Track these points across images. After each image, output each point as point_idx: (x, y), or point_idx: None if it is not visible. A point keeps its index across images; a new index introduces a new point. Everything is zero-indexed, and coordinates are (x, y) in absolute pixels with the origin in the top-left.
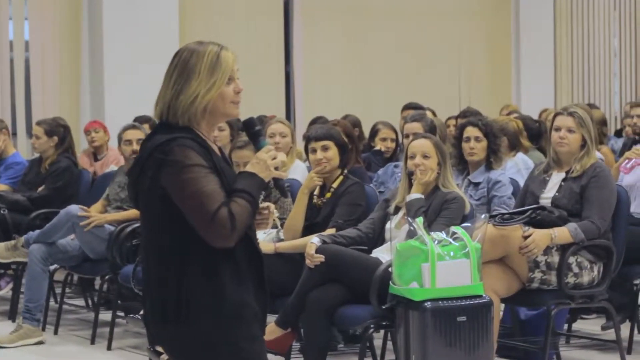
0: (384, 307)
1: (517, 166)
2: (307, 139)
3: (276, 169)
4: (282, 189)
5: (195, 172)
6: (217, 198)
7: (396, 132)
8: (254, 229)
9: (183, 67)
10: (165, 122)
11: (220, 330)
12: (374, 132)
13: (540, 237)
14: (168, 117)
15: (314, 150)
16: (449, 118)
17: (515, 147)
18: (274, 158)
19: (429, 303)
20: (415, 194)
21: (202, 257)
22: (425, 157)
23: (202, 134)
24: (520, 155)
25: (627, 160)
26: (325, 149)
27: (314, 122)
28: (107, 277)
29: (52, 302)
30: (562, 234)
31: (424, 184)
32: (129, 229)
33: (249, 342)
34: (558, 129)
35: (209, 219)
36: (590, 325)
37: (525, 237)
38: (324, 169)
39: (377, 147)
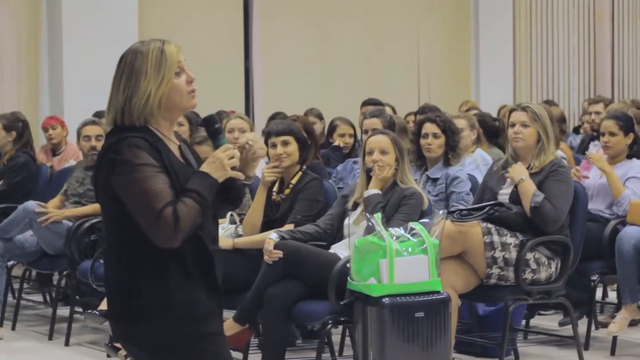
0: (342, 303)
1: (476, 162)
2: (267, 134)
3: (233, 168)
4: (238, 189)
5: (143, 171)
6: (163, 197)
7: (354, 128)
8: (209, 230)
9: (130, 70)
10: (120, 126)
11: (172, 330)
12: (332, 128)
13: (520, 165)
14: (123, 120)
15: (274, 145)
16: (408, 114)
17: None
18: (232, 157)
19: (387, 299)
20: (373, 190)
21: (151, 256)
22: (383, 153)
23: (161, 132)
24: (479, 151)
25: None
26: (285, 144)
27: (273, 117)
28: (65, 272)
29: (10, 298)
30: (530, 185)
31: (381, 179)
32: (87, 224)
33: (203, 340)
34: (513, 125)
35: (154, 218)
36: (547, 321)
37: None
38: (283, 164)
39: (336, 143)
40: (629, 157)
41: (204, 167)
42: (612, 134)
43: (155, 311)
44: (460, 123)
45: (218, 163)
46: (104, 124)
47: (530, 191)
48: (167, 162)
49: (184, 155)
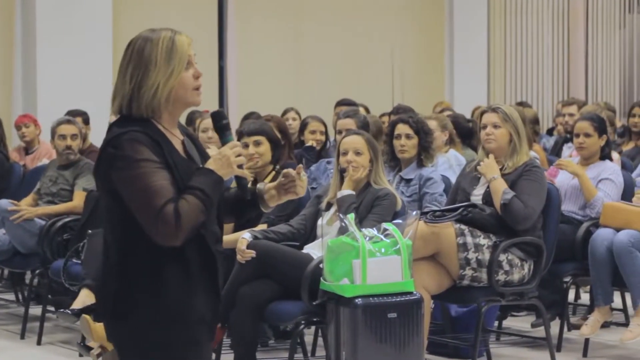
0: (314, 303)
1: (449, 162)
2: (240, 134)
3: (240, 166)
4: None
5: (144, 167)
6: (164, 194)
7: (325, 126)
8: (213, 230)
9: (139, 57)
10: (126, 115)
11: (156, 332)
12: (303, 125)
13: (492, 162)
14: (131, 110)
15: (246, 145)
16: (382, 115)
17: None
18: (239, 155)
19: (359, 299)
20: (346, 190)
21: (147, 255)
22: (357, 153)
23: (164, 126)
24: (452, 152)
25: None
26: (257, 144)
27: (247, 117)
28: (37, 271)
29: None
30: (501, 183)
31: (355, 180)
32: (59, 223)
33: (188, 347)
34: (485, 127)
35: (154, 215)
36: (520, 322)
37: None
38: (256, 164)
39: (309, 144)
40: (602, 158)
41: (210, 164)
42: (587, 135)
43: (144, 311)
44: (431, 124)
45: (225, 160)
46: (79, 124)
47: (500, 189)
48: (169, 158)
49: (187, 151)
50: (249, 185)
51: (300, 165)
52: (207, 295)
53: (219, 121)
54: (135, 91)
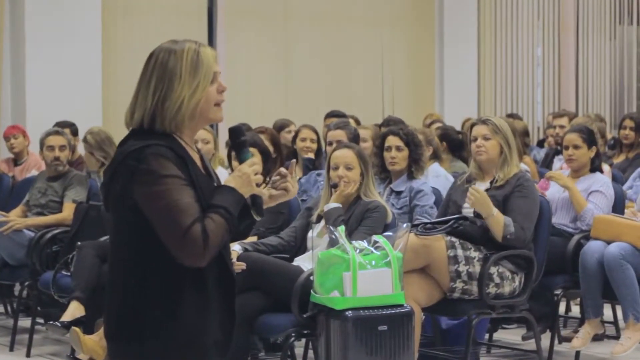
0: (305, 315)
1: (436, 172)
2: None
3: (257, 185)
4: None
5: (170, 183)
6: (191, 213)
7: (318, 134)
8: (229, 250)
9: (162, 69)
10: (145, 129)
11: (170, 355)
12: (295, 134)
13: (486, 201)
14: (154, 124)
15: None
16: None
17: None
18: (257, 173)
19: (350, 312)
20: (333, 204)
21: (165, 275)
22: (348, 168)
23: (185, 140)
24: (433, 165)
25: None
26: None
27: None
28: (26, 283)
29: None
30: (500, 217)
31: (345, 195)
32: (49, 235)
33: None
34: (475, 139)
35: (181, 235)
36: (511, 335)
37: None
38: None
39: (305, 155)
40: (592, 170)
41: (230, 182)
42: (575, 147)
43: (156, 333)
44: None
45: (245, 178)
46: (68, 135)
47: (501, 223)
48: (193, 175)
49: (206, 166)
50: None
51: (294, 161)
52: (222, 317)
53: (238, 138)
54: (159, 105)
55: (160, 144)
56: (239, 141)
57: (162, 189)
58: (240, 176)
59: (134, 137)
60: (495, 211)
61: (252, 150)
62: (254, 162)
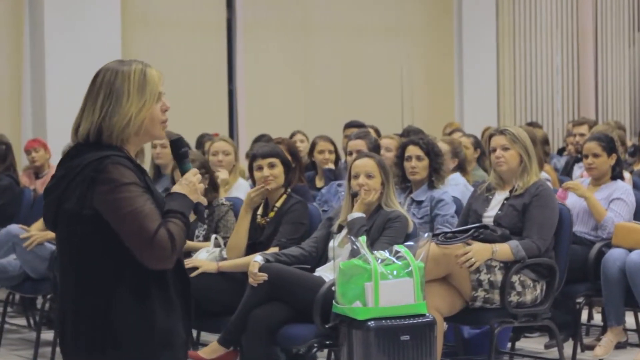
0: (327, 326)
1: (455, 181)
2: (253, 157)
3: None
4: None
5: (132, 191)
6: (155, 218)
7: (334, 145)
8: (182, 253)
9: (109, 87)
10: (93, 143)
11: (148, 357)
12: (312, 145)
13: (480, 249)
14: (100, 137)
15: (260, 168)
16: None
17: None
18: (200, 182)
19: (372, 322)
20: (357, 213)
21: (133, 281)
22: (369, 177)
23: (129, 154)
24: (452, 175)
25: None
26: (271, 166)
27: (257, 139)
28: (48, 296)
29: None
30: (503, 249)
31: (367, 204)
32: None
33: None
34: (494, 150)
35: (149, 239)
36: (533, 343)
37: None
38: (269, 186)
39: (328, 167)
40: (613, 178)
41: (179, 189)
42: (595, 156)
43: (133, 340)
44: (443, 147)
45: (192, 186)
46: None
47: (508, 252)
48: (148, 182)
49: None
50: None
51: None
52: (185, 318)
53: (179, 149)
54: (107, 119)
55: (117, 154)
56: (181, 152)
57: (126, 196)
58: (188, 184)
59: (87, 151)
60: (496, 247)
61: (275, 160)
62: (196, 172)
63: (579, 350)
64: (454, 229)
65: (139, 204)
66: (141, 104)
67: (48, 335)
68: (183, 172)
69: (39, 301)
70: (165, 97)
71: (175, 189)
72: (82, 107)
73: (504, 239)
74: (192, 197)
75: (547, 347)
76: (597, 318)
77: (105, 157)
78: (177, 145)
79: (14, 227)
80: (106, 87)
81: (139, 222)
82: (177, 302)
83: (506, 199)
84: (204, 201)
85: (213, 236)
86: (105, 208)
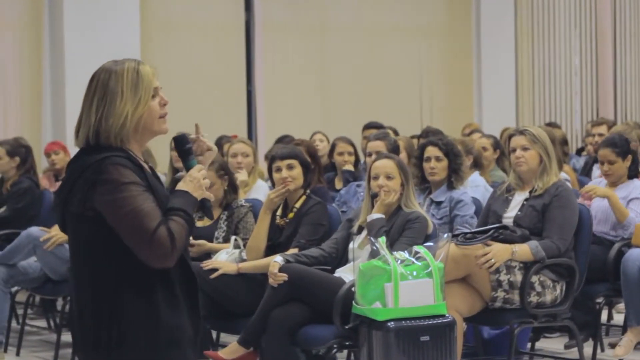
0: (347, 327)
1: (475, 182)
2: (272, 158)
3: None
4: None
5: (132, 190)
6: (155, 216)
7: (354, 146)
8: (188, 250)
9: (103, 89)
10: (94, 146)
11: (154, 356)
12: (332, 147)
13: (500, 249)
14: (98, 140)
15: (279, 169)
16: (411, 137)
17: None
18: (205, 177)
19: (392, 323)
20: (376, 214)
21: (136, 280)
22: (388, 178)
23: (134, 153)
24: (472, 176)
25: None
26: (290, 167)
27: (279, 140)
28: (68, 298)
29: (14, 324)
30: (523, 250)
31: (386, 205)
32: None
33: None
34: (514, 150)
35: (148, 238)
36: (553, 344)
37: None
38: (289, 186)
39: (346, 167)
40: (630, 177)
41: (183, 186)
42: (610, 162)
43: (138, 337)
44: None
45: (196, 182)
46: None
47: (528, 253)
48: (150, 181)
49: (155, 175)
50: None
51: (197, 124)
52: (190, 314)
53: (183, 146)
54: (103, 122)
55: (116, 154)
56: (185, 149)
57: (126, 196)
58: (192, 181)
59: (88, 154)
60: (516, 248)
61: (294, 162)
62: (200, 168)
63: (599, 350)
64: (473, 230)
65: (139, 203)
66: (136, 101)
67: (68, 337)
68: (188, 169)
69: (59, 303)
70: (162, 91)
71: (179, 186)
72: (80, 113)
73: (523, 239)
74: (197, 193)
75: (567, 347)
76: (617, 318)
77: (104, 159)
78: (181, 142)
79: (34, 230)
80: (100, 89)
81: (138, 220)
82: (183, 299)
83: (526, 199)
84: (211, 197)
85: (232, 238)
86: (106, 208)
